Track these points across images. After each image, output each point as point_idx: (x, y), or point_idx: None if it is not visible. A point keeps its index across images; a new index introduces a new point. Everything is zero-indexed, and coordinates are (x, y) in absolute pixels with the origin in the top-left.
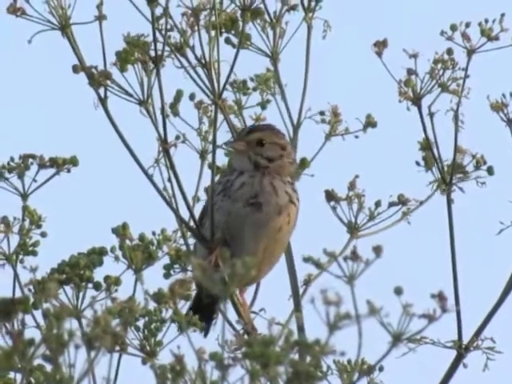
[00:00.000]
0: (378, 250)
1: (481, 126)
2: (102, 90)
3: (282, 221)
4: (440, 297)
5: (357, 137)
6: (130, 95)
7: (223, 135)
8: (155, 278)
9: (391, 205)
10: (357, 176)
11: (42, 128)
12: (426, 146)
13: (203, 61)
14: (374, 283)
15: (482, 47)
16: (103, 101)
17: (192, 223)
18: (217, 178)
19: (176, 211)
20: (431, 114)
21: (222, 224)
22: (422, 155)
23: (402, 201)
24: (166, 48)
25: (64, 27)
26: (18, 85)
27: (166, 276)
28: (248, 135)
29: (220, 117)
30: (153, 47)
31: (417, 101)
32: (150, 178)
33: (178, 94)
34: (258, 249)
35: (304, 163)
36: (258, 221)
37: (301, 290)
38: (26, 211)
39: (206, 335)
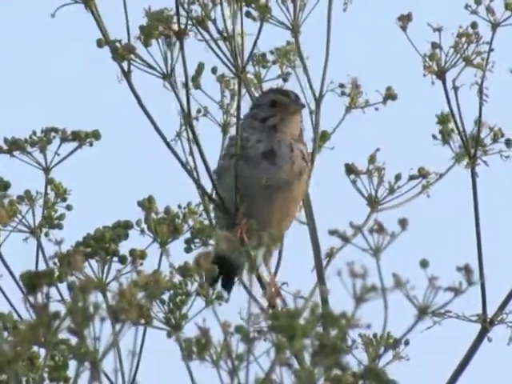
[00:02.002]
0: (403, 223)
1: (505, 100)
2: (125, 64)
3: (294, 176)
4: (466, 269)
5: (377, 109)
6: (154, 69)
7: (245, 108)
8: (181, 251)
9: (411, 178)
10: (377, 149)
11: (64, 102)
12: (444, 119)
13: (225, 34)
14: (397, 257)
15: (507, 21)
16: (127, 74)
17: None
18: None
19: (199, 184)
20: (455, 88)
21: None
22: (439, 129)
23: (422, 174)
24: (189, 22)
25: (87, 1)
26: (41, 59)
27: (187, 250)
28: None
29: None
30: (175, 21)
31: (441, 75)
32: (173, 151)
33: (200, 67)
34: (273, 209)
35: (324, 136)
36: (272, 178)
37: (324, 263)
38: (52, 184)
39: (229, 292)
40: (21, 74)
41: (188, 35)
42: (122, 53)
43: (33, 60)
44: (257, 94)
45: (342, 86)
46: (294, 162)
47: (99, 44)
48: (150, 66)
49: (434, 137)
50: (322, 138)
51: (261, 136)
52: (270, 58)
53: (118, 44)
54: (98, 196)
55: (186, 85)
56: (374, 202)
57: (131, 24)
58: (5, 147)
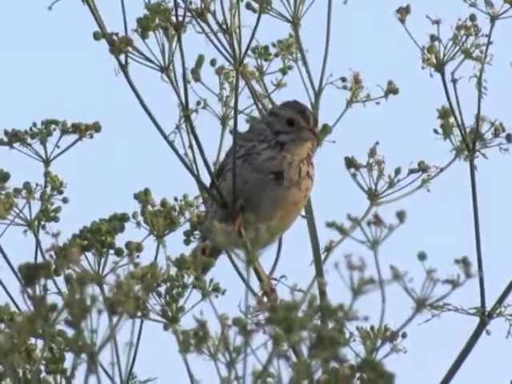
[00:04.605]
0: (401, 216)
1: (503, 93)
2: (123, 57)
3: (300, 195)
4: (464, 262)
5: (378, 103)
6: (151, 62)
7: (245, 101)
8: (177, 244)
9: (411, 172)
10: (377, 143)
11: (64, 95)
12: (445, 113)
13: (224, 26)
14: (395, 250)
15: (505, 13)
16: (124, 67)
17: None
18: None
19: (197, 177)
20: (454, 81)
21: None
22: (440, 123)
23: (422, 168)
24: (188, 14)
25: None
26: (40, 52)
27: (187, 242)
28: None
29: (242, 83)
30: (174, 13)
31: (440, 67)
32: (170, 143)
33: (200, 59)
34: (273, 218)
35: (325, 129)
36: (276, 195)
37: (322, 257)
38: (48, 177)
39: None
40: (20, 67)
41: (186, 28)
42: (118, 46)
43: (32, 53)
44: (258, 87)
45: (343, 79)
46: (300, 183)
47: (96, 37)
48: (148, 59)
49: (436, 131)
50: (322, 131)
51: (273, 153)
52: (273, 50)
53: (114, 37)
54: (95, 188)
55: (183, 78)
56: (373, 196)
57: (128, 17)
58: (5, 139)
